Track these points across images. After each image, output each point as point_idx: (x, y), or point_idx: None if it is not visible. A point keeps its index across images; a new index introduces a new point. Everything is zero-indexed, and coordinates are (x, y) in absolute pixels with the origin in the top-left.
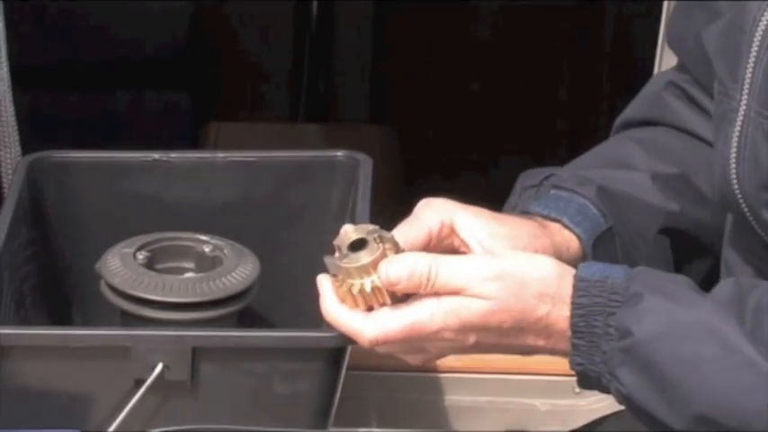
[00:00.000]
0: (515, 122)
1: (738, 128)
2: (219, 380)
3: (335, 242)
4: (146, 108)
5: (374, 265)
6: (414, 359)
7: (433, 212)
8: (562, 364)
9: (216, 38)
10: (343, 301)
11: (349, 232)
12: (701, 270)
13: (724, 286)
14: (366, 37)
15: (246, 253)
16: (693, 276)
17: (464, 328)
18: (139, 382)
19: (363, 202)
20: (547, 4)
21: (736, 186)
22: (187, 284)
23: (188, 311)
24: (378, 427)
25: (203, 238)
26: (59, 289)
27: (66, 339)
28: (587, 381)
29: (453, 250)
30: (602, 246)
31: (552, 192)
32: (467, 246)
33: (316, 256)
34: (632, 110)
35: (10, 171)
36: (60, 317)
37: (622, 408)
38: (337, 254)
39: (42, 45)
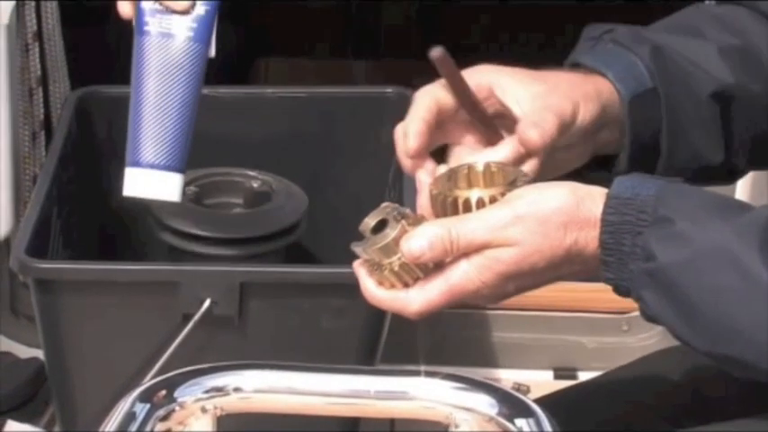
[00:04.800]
0: (567, 51)
1: None
2: (267, 315)
3: (359, 228)
4: None
5: (396, 242)
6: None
7: (471, 75)
8: (610, 301)
9: None
10: (380, 284)
11: (369, 216)
12: (749, 146)
13: (763, 210)
14: None
15: (294, 188)
16: (742, 151)
17: (500, 280)
18: (187, 317)
19: None
20: None
21: None
22: (235, 220)
23: (236, 247)
24: (425, 363)
25: (251, 173)
26: (108, 224)
27: (114, 274)
28: (620, 293)
29: (497, 113)
30: (644, 104)
31: (608, 46)
32: (505, 107)
33: (364, 191)
34: None
35: (59, 105)
36: (108, 252)
37: (670, 345)
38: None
39: None
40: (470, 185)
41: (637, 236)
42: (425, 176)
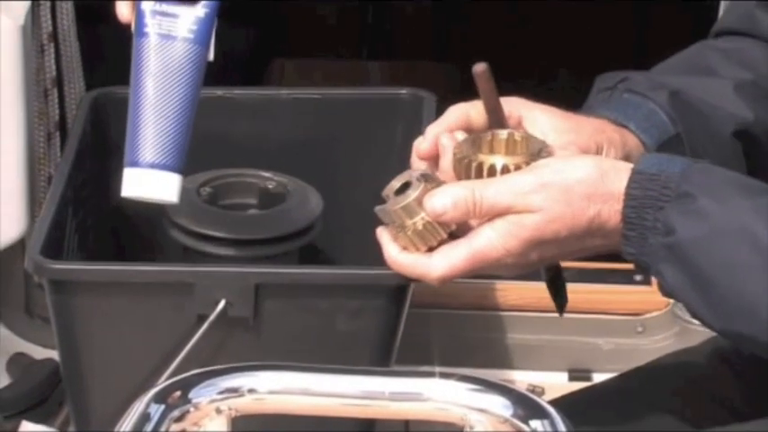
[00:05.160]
0: (581, 60)
1: None
2: (282, 317)
3: (383, 193)
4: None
5: (419, 202)
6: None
7: (504, 103)
8: (625, 303)
9: None
10: (405, 248)
11: (394, 180)
12: None
13: None
14: None
15: (309, 190)
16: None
17: (523, 247)
18: (202, 319)
19: None
20: None
21: None
22: (250, 221)
23: (251, 248)
24: (440, 364)
25: (266, 174)
26: (123, 224)
27: (129, 275)
28: (640, 269)
29: None
30: (669, 151)
31: (625, 95)
32: None
33: (379, 193)
34: (723, 22)
35: (74, 106)
36: (124, 253)
37: (685, 347)
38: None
39: None
40: (493, 152)
41: (659, 210)
42: (448, 140)
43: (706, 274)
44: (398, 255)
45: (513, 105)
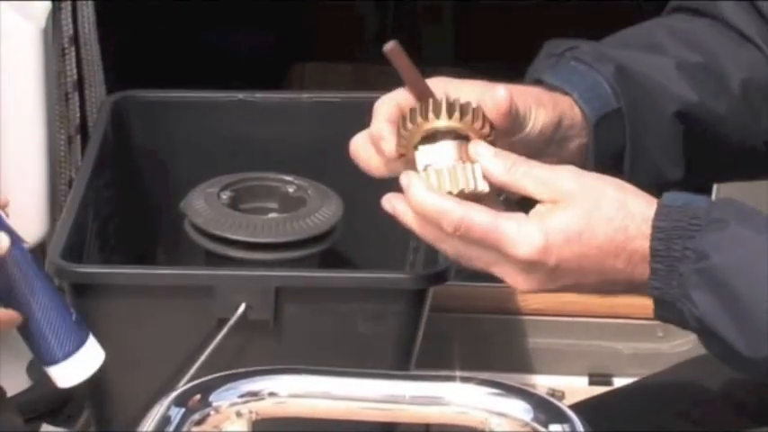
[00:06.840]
0: None
1: None
2: (302, 320)
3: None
4: (232, 48)
5: (456, 149)
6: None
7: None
8: (646, 308)
9: None
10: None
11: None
12: (709, 164)
13: None
14: None
15: (330, 194)
16: (703, 169)
17: (544, 243)
18: (222, 322)
19: None
20: None
21: None
22: (271, 225)
23: (271, 252)
24: (460, 368)
25: (287, 178)
26: (143, 228)
27: (149, 279)
28: (663, 306)
29: None
30: (608, 124)
31: (572, 63)
32: None
33: None
34: None
35: (95, 110)
36: (144, 256)
37: (705, 352)
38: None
39: None
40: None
41: (688, 240)
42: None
43: (741, 296)
44: (426, 191)
45: (437, 84)
